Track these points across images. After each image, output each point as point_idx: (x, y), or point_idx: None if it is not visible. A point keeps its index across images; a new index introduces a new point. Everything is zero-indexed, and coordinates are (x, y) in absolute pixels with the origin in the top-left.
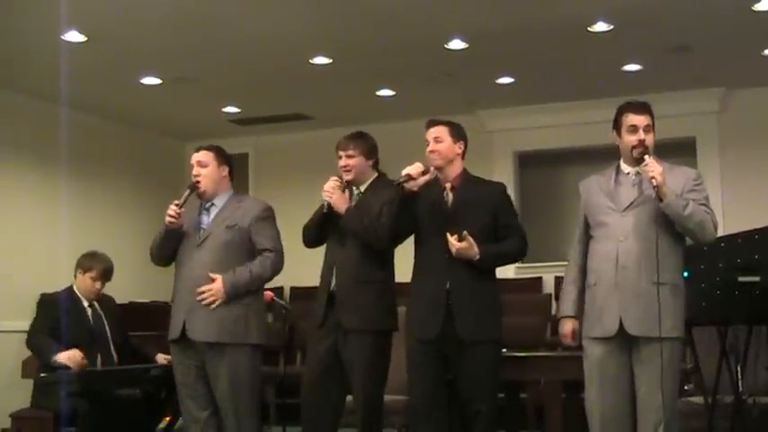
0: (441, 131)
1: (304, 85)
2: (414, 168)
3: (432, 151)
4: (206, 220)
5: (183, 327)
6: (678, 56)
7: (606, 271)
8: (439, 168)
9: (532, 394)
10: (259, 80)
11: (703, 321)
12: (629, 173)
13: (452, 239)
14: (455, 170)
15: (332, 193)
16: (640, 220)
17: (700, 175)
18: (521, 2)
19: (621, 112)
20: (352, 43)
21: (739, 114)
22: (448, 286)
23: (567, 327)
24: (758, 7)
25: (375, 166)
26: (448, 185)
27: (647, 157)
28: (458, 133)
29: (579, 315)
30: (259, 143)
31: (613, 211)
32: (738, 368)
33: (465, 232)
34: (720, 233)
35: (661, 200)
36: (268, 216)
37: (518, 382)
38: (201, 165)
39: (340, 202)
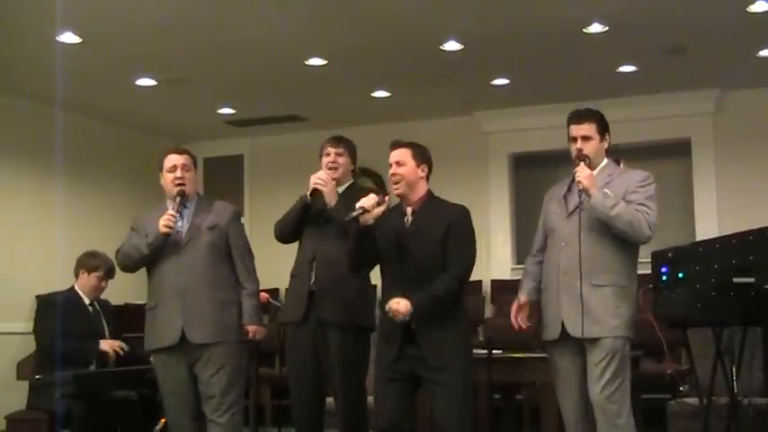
0: (403, 154)
1: (299, 86)
2: (367, 201)
3: (393, 174)
4: (181, 224)
5: (182, 331)
6: (673, 57)
7: (551, 276)
8: (401, 196)
9: (528, 396)
10: (254, 81)
11: (698, 322)
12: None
13: (391, 304)
14: (418, 194)
15: (326, 184)
16: (582, 224)
17: (648, 176)
18: (516, 3)
19: (567, 123)
20: (347, 45)
21: (734, 116)
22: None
23: (514, 306)
24: (753, 9)
25: (353, 172)
26: (409, 210)
27: (582, 163)
28: (421, 156)
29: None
30: (254, 144)
31: (560, 216)
32: (733, 369)
33: (390, 302)
34: (715, 234)
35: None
36: (239, 217)
37: (514, 383)
38: (186, 169)
39: (333, 194)
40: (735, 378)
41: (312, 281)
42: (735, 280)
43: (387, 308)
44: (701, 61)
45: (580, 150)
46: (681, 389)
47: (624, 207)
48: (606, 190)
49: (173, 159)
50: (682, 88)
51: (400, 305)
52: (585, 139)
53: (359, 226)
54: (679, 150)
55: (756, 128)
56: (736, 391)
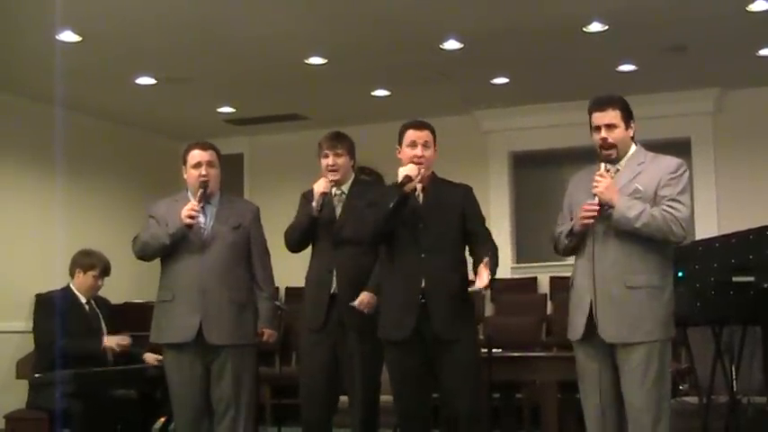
0: (429, 137)
1: (299, 85)
2: (411, 170)
3: (421, 157)
4: (203, 220)
5: (199, 329)
6: (673, 56)
7: (581, 273)
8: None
9: (528, 395)
10: (254, 80)
11: (698, 321)
12: (608, 171)
13: (478, 284)
14: (427, 172)
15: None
16: (610, 224)
17: (680, 165)
18: (516, 2)
19: (589, 111)
20: (347, 43)
21: (734, 115)
22: (423, 285)
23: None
24: (753, 8)
25: (354, 166)
26: (419, 186)
27: (602, 166)
28: (435, 138)
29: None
30: (254, 143)
31: None
32: (733, 368)
33: (486, 259)
34: (715, 233)
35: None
36: (259, 216)
37: (513, 382)
38: (212, 165)
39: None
40: (734, 377)
41: (333, 288)
42: (734, 279)
43: (473, 288)
44: (701, 60)
45: (605, 140)
46: (680, 388)
47: (649, 216)
48: (637, 185)
49: (197, 156)
50: (681, 87)
51: (483, 275)
52: (610, 127)
53: (402, 193)
54: (679, 150)
55: (756, 127)
56: (735, 390)
